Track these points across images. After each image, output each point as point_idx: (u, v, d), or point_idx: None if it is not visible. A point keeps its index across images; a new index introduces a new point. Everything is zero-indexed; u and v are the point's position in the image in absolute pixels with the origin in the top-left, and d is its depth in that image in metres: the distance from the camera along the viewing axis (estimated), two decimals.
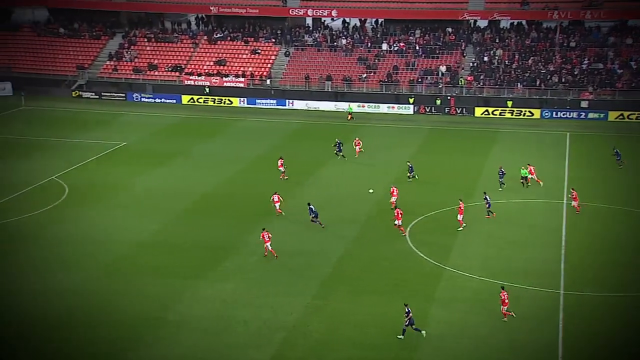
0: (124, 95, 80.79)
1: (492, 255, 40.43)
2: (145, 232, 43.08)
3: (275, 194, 45.51)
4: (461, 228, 43.08)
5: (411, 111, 75.03)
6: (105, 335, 31.99)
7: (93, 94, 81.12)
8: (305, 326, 32.89)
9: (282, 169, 52.39)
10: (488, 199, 45.00)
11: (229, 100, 78.59)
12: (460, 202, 43.72)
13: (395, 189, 46.72)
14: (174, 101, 79.35)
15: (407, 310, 31.70)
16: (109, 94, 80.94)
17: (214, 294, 35.70)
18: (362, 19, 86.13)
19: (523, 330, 32.66)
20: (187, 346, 31.29)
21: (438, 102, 74.96)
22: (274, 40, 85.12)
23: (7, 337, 31.85)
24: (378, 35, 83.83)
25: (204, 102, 78.92)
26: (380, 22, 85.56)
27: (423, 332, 31.73)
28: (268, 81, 79.90)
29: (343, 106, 76.35)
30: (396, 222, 42.48)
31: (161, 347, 31.21)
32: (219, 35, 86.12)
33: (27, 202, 47.38)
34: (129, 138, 64.23)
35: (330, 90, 78.51)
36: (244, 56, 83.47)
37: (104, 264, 38.80)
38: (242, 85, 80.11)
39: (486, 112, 73.64)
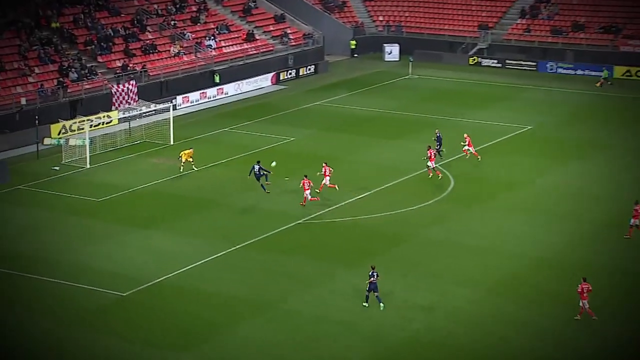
0: (534, 64, 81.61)
1: None
2: (545, 245, 43.05)
3: (305, 177, 47.29)
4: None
5: None
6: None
7: (495, 61, 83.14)
8: None
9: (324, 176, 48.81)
10: None
11: None
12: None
13: None
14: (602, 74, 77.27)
15: (371, 272, 35.63)
16: (515, 62, 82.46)
17: None
18: None
19: None
20: None
21: None
22: None
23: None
24: None
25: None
26: None
27: (382, 304, 35.62)
28: None
29: None
30: (631, 221, 43.32)
31: None
32: None
33: (407, 193, 50.05)
34: (536, 120, 65.13)
35: None
36: None
37: (492, 279, 39.46)
38: None
39: None
